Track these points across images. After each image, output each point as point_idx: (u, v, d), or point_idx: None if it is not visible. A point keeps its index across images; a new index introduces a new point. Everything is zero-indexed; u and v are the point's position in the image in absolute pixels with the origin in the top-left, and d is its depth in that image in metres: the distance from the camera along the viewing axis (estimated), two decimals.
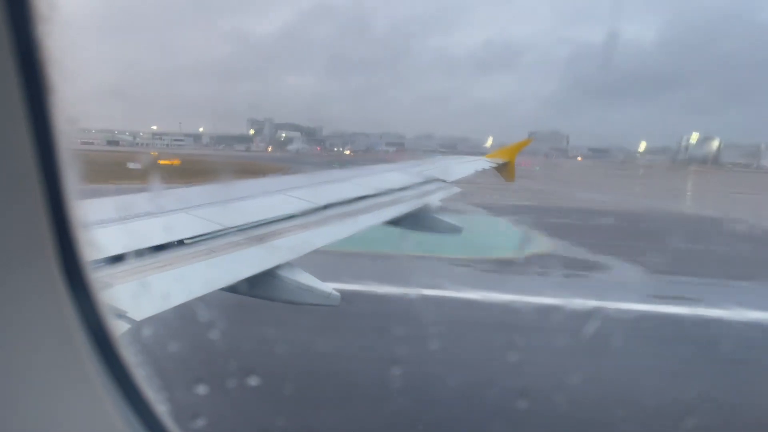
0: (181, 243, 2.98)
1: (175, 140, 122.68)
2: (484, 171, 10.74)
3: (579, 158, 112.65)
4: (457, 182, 7.83)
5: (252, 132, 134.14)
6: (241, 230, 3.42)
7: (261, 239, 3.41)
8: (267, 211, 3.99)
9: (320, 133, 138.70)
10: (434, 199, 6.33)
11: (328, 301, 3.28)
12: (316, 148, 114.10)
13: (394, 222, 5.25)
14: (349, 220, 4.48)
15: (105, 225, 2.80)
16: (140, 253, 2.63)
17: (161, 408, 1.43)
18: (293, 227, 3.85)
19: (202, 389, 5.87)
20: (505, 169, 12.00)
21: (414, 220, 5.72)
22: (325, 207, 4.54)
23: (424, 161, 10.54)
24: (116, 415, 1.28)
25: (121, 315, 2.01)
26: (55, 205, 1.11)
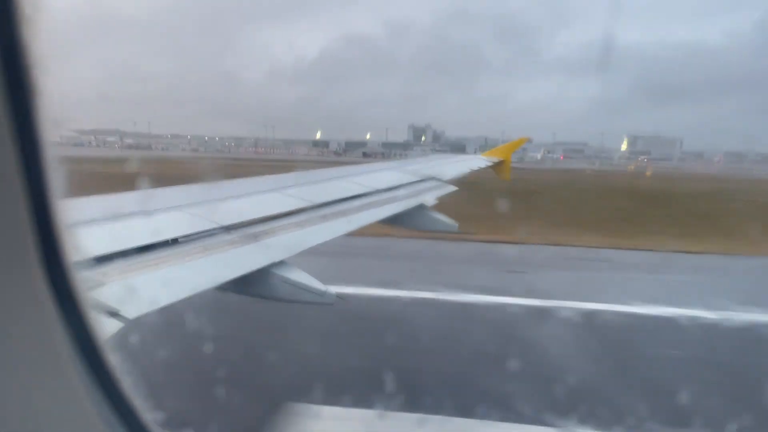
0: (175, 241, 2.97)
1: (437, 150, 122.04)
2: (480, 169, 10.76)
3: (717, 161, 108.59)
4: (452, 180, 7.84)
5: (423, 138, 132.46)
6: (233, 228, 3.41)
7: (255, 237, 3.40)
8: (262, 209, 3.99)
9: (444, 136, 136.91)
10: (430, 198, 6.34)
11: (324, 299, 3.27)
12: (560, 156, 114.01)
13: (390, 220, 5.26)
14: (344, 219, 4.48)
15: (92, 224, 2.78)
16: (133, 252, 2.61)
17: (147, 415, 1.41)
18: (288, 225, 3.84)
19: (192, 390, 5.85)
20: (500, 168, 12.03)
21: (410, 218, 5.74)
22: (320, 205, 4.54)
23: (419, 160, 10.54)
24: (101, 423, 1.26)
25: (113, 313, 2.00)
26: (39, 207, 1.09)
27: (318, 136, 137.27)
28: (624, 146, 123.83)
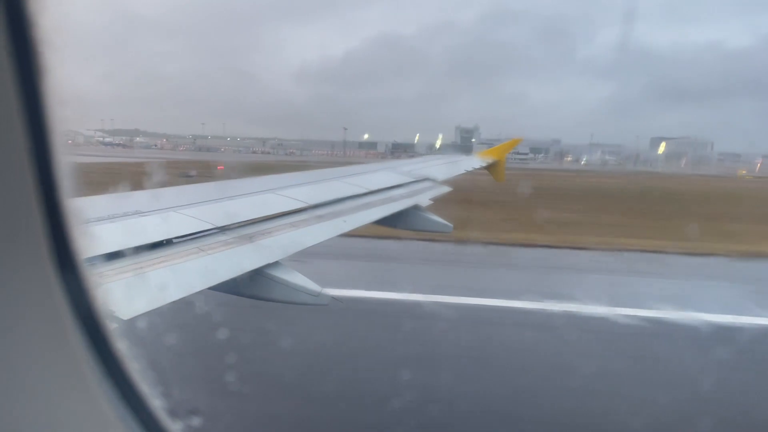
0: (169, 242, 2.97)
1: (517, 154, 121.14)
2: (474, 170, 10.77)
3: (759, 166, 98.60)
4: (447, 181, 7.86)
5: (473, 141, 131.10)
6: (229, 229, 3.40)
7: (250, 238, 3.40)
8: (257, 209, 3.98)
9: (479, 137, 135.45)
10: (424, 198, 6.35)
11: (318, 300, 3.28)
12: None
13: (385, 221, 5.26)
14: (339, 219, 4.48)
15: (92, 223, 2.78)
16: (128, 252, 2.61)
17: (156, 403, 1.42)
18: (283, 226, 3.84)
19: (186, 384, 5.84)
20: (495, 169, 12.05)
21: (404, 219, 5.75)
22: (316, 206, 4.54)
23: (414, 160, 10.56)
24: (110, 410, 1.27)
25: (109, 314, 2.00)
26: (48, 195, 1.09)
27: (366, 137, 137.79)
28: (662, 148, 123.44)
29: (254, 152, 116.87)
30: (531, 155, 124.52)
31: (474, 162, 11.40)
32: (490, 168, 11.84)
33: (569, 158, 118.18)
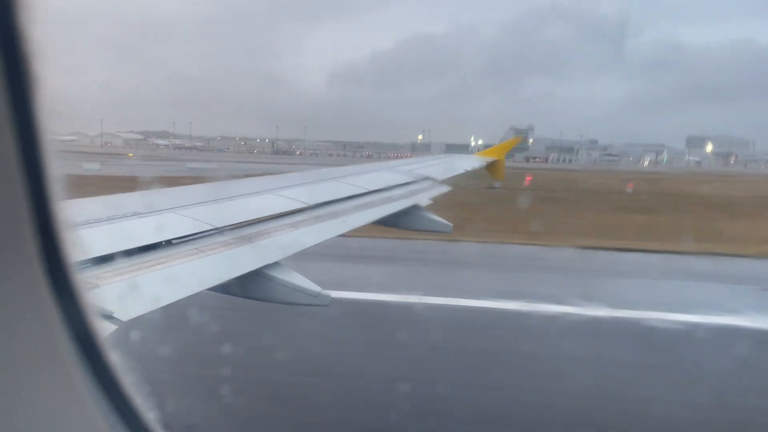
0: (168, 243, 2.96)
1: (606, 155, 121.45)
2: (474, 170, 10.76)
3: None
4: (446, 181, 7.85)
5: (530, 141, 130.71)
6: (229, 230, 3.39)
7: (249, 239, 3.39)
8: (256, 210, 3.97)
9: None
10: (424, 198, 6.34)
11: (318, 301, 3.26)
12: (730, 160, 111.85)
13: (385, 220, 5.26)
14: (339, 220, 4.47)
15: (91, 225, 2.77)
16: (127, 253, 2.60)
17: (149, 414, 1.40)
18: (282, 226, 3.83)
19: (187, 389, 5.84)
20: (495, 168, 12.05)
21: (404, 219, 5.74)
22: (315, 206, 4.53)
23: (414, 160, 10.56)
24: (102, 421, 1.26)
25: (108, 316, 1.99)
26: (38, 202, 1.08)
27: (420, 138, 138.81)
28: (709, 148, 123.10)
29: (330, 155, 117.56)
30: (616, 157, 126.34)
31: (473, 161, 11.39)
32: (490, 167, 11.84)
33: (630, 158, 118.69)
